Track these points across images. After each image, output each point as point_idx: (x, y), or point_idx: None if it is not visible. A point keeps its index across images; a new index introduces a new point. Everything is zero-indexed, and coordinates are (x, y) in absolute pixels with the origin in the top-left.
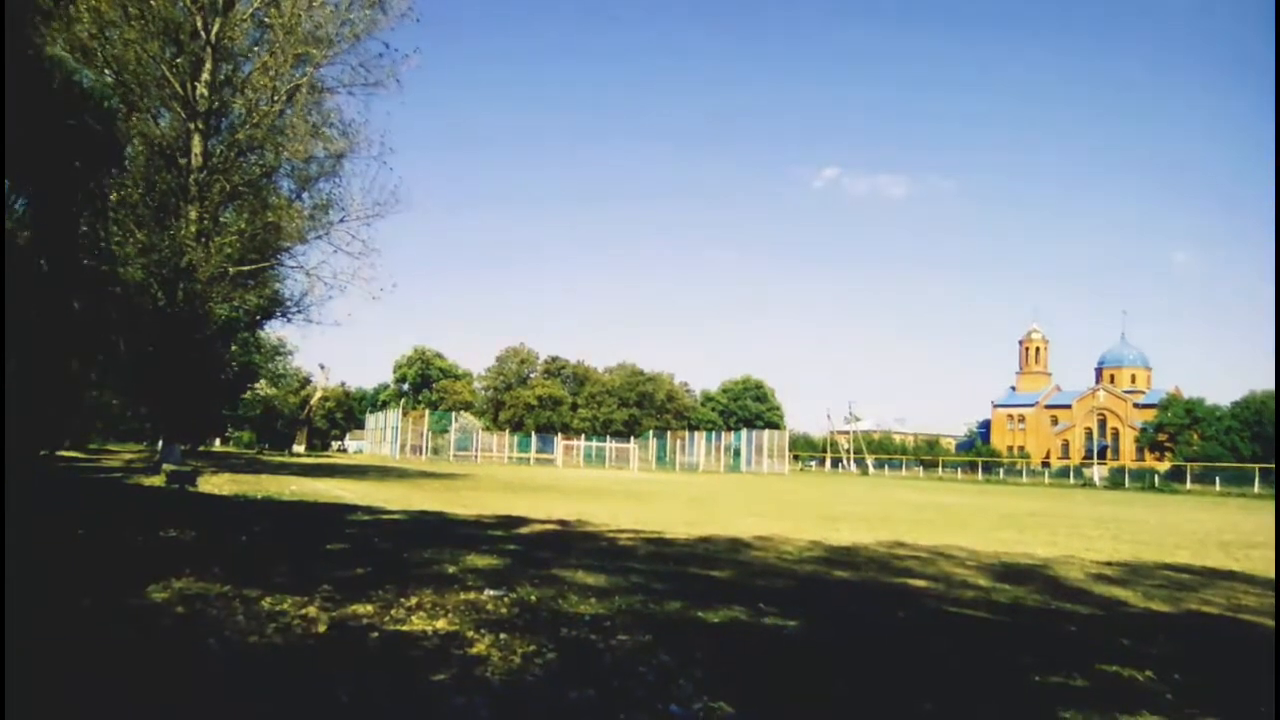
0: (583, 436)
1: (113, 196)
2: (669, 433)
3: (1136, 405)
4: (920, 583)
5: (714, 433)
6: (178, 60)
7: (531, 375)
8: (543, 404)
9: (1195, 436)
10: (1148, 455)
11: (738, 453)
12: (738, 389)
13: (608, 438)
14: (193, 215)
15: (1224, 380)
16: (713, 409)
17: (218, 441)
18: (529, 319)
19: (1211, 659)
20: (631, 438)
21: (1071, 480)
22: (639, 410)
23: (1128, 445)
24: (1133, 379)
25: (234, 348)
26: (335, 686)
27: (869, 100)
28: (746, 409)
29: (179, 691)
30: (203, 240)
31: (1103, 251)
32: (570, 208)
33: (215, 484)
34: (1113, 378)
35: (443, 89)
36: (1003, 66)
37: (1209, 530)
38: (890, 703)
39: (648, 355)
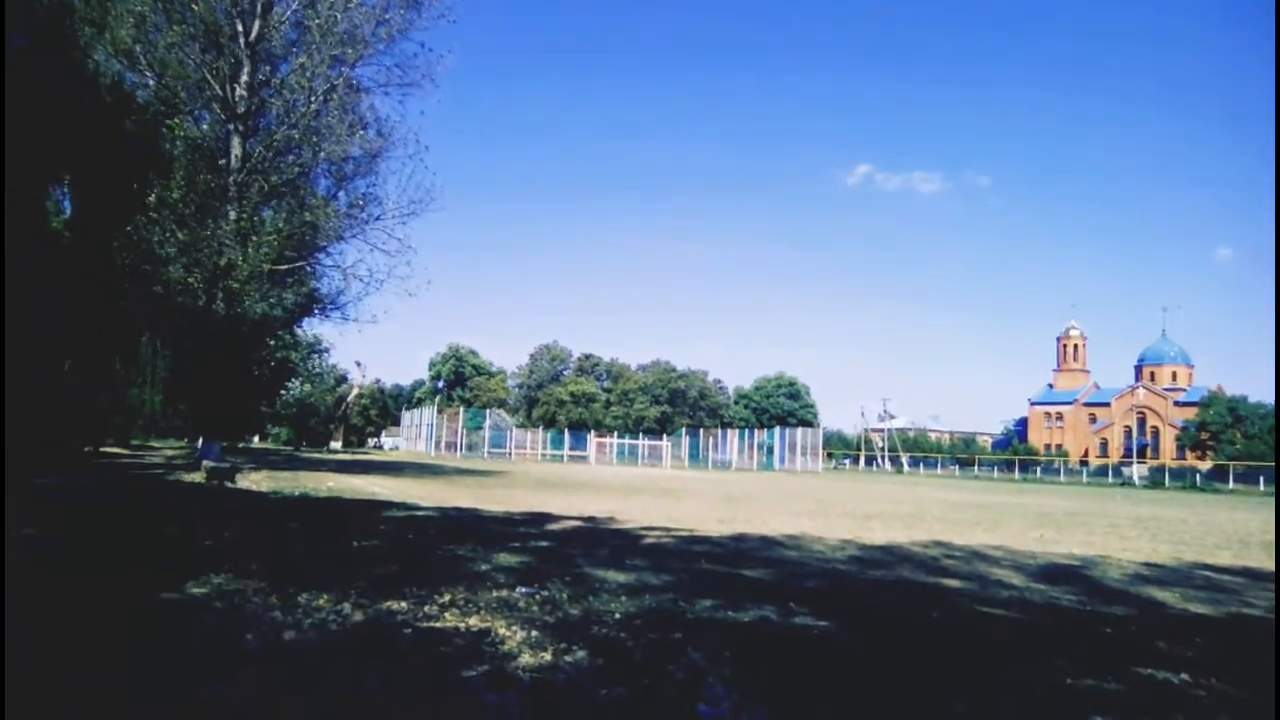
0: (615, 434)
1: (153, 197)
2: (702, 430)
3: (1177, 403)
4: (954, 582)
5: (747, 430)
6: (217, 63)
7: (564, 372)
8: (576, 401)
9: (1238, 435)
10: (1189, 454)
11: (771, 451)
12: (771, 387)
13: (640, 435)
14: (232, 215)
15: (1268, 378)
16: (746, 407)
17: (256, 438)
18: (562, 316)
19: (1251, 662)
20: (664, 435)
21: (1110, 479)
22: (671, 408)
23: (1168, 444)
24: (1173, 376)
25: (270, 342)
26: (369, 682)
27: (901, 97)
28: (780, 407)
29: (216, 685)
30: (242, 239)
31: (1142, 246)
32: (604, 205)
33: (253, 480)
34: (1153, 375)
35: (477, 85)
36: (1038, 60)
37: (1251, 531)
38: (922, 703)
39: (680, 353)
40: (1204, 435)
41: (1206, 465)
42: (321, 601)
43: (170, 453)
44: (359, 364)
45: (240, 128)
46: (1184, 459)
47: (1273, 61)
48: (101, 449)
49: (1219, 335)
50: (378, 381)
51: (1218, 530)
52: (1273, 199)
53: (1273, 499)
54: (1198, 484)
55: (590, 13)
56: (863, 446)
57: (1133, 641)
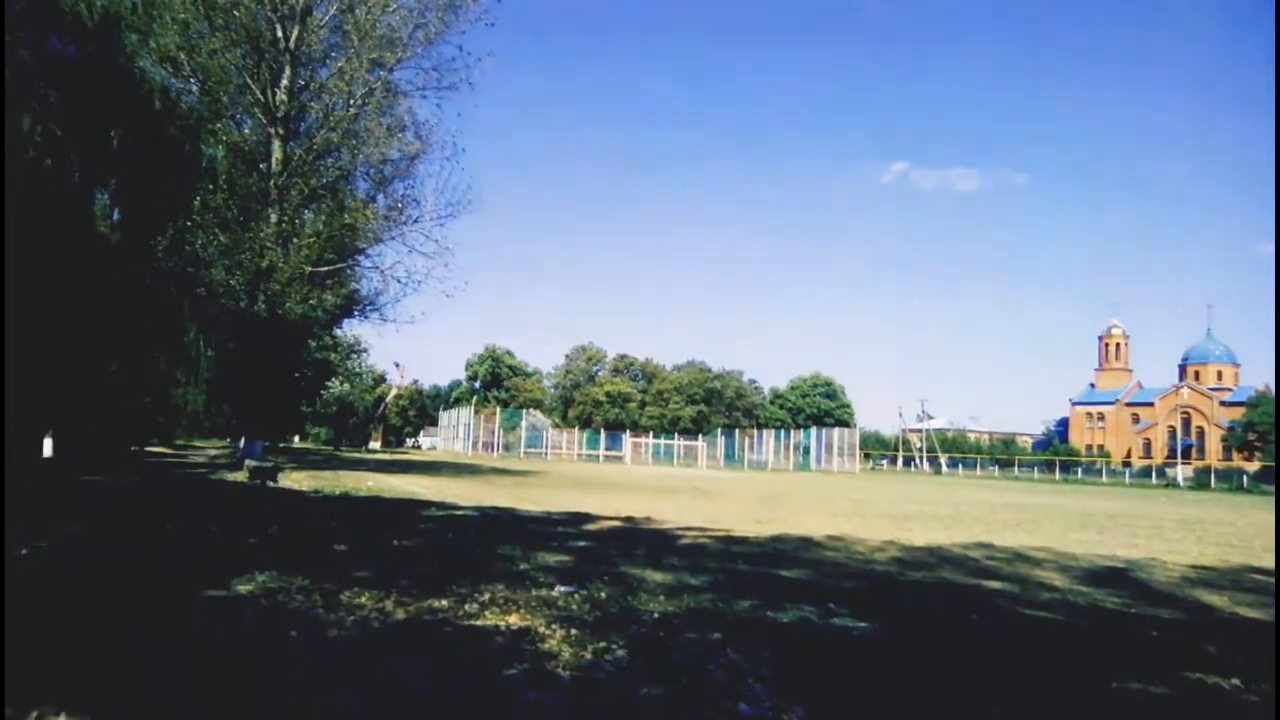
0: (651, 434)
1: (197, 201)
2: (737, 430)
3: (1223, 403)
4: (995, 584)
5: (783, 431)
6: (258, 68)
7: (600, 373)
8: (611, 401)
9: None
10: (1235, 455)
11: (807, 451)
12: (807, 386)
13: (676, 435)
14: (273, 218)
15: None
16: (781, 407)
17: (296, 438)
18: (597, 317)
19: None
20: (699, 435)
21: (1154, 480)
22: (707, 408)
23: (1214, 444)
24: (1219, 376)
25: (311, 345)
26: (412, 680)
27: (937, 94)
28: (816, 407)
29: (261, 682)
30: (282, 242)
31: (1186, 243)
32: (638, 206)
33: (295, 480)
34: (1197, 374)
35: (511, 88)
36: (1076, 57)
37: None
38: (962, 706)
39: (716, 353)
40: (1251, 436)
41: (1254, 466)
42: (364, 599)
43: (214, 452)
44: (398, 364)
45: (281, 132)
46: (1230, 460)
47: None
48: (146, 449)
49: (1265, 333)
50: (416, 382)
51: (1266, 532)
52: None
53: None
54: (1244, 485)
55: (623, 15)
56: (900, 447)
57: (1181, 645)
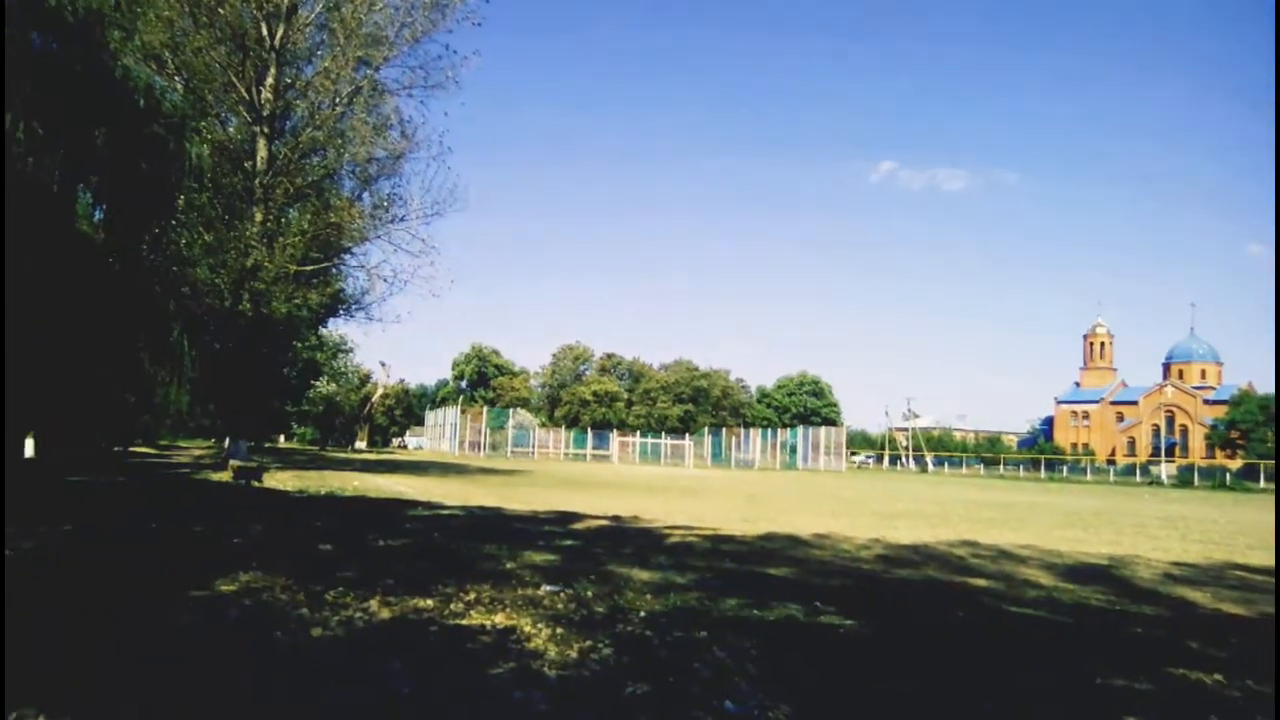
0: (638, 433)
1: (181, 200)
2: (724, 429)
3: (1206, 401)
4: (981, 582)
5: (770, 430)
6: (244, 66)
7: (587, 372)
8: (599, 400)
9: (1269, 434)
10: (1218, 453)
11: (794, 450)
12: (794, 385)
13: (663, 434)
14: (258, 217)
15: None
16: (768, 406)
17: (282, 438)
18: (585, 316)
19: None
20: (687, 434)
21: (1138, 478)
22: (694, 407)
23: (1197, 443)
24: (1203, 374)
25: (297, 345)
26: (397, 679)
27: (925, 93)
28: (803, 405)
29: (245, 681)
30: (267, 241)
31: (1171, 243)
32: (625, 204)
33: (280, 480)
34: (1181, 373)
35: (497, 87)
36: (1065, 56)
37: None
38: (948, 703)
39: (703, 352)
40: (1234, 434)
41: (1237, 464)
42: (348, 599)
43: (198, 452)
44: (383, 364)
45: (266, 130)
46: (1213, 458)
47: None
48: (130, 449)
49: (1249, 332)
50: (402, 381)
51: (1249, 530)
52: None
53: None
54: (1227, 483)
55: (610, 16)
56: (887, 446)
57: (1164, 642)
